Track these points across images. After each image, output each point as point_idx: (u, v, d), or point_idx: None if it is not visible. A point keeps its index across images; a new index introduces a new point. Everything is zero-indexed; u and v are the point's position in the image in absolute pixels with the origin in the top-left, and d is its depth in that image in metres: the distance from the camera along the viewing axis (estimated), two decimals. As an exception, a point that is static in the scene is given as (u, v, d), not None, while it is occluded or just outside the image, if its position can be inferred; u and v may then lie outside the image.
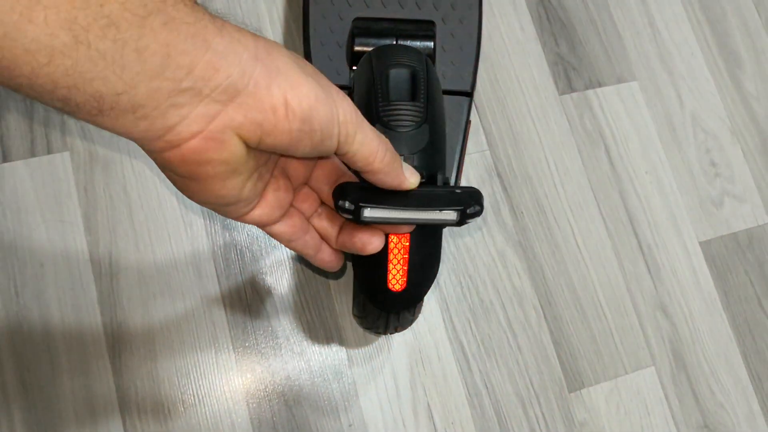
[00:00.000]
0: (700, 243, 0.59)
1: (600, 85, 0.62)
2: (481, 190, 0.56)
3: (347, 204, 0.31)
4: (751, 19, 0.67)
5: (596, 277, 0.56)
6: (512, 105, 0.59)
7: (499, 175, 0.57)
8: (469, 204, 0.32)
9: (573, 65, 0.62)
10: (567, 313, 0.55)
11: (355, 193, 0.31)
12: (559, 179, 0.58)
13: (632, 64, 0.63)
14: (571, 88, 0.61)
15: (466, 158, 0.57)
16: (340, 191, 0.32)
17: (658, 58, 0.64)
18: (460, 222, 0.33)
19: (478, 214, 0.33)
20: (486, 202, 0.56)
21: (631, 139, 0.61)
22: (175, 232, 0.51)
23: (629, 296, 0.56)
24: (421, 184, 0.33)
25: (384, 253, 0.36)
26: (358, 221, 0.32)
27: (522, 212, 0.57)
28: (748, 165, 0.62)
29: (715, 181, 0.61)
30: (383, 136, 0.30)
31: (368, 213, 0.32)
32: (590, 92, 0.61)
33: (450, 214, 0.32)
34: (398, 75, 0.38)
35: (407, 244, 0.36)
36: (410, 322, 0.43)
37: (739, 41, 0.66)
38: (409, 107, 0.37)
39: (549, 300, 0.55)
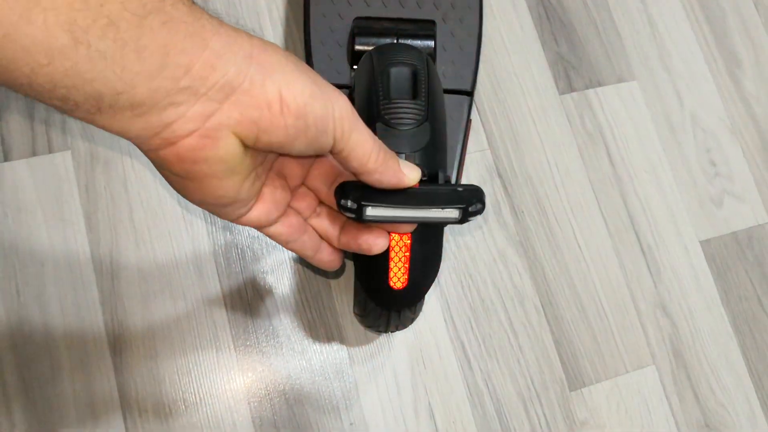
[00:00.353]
0: (700, 242, 0.59)
1: (600, 85, 0.62)
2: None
3: (349, 203, 0.31)
4: (751, 18, 0.67)
5: (597, 276, 0.56)
6: (512, 105, 0.59)
7: (499, 175, 0.57)
8: (471, 202, 0.32)
9: (573, 65, 0.62)
10: (568, 313, 0.55)
11: (357, 192, 0.31)
12: (559, 179, 0.58)
13: (632, 64, 0.63)
14: (571, 88, 0.61)
15: (467, 158, 0.57)
16: (342, 190, 0.32)
17: (658, 58, 0.64)
18: (462, 220, 0.33)
19: (480, 211, 0.33)
20: (486, 202, 0.56)
21: (630, 138, 0.61)
22: (176, 230, 0.51)
23: (630, 295, 0.56)
24: (422, 183, 0.33)
25: (385, 251, 0.36)
26: (360, 220, 0.32)
27: (522, 212, 0.57)
28: (748, 164, 0.62)
29: (715, 181, 0.61)
30: (377, 138, 0.31)
31: (370, 212, 0.32)
32: (590, 92, 0.62)
33: (452, 212, 0.32)
34: (399, 73, 0.39)
35: (409, 242, 0.36)
36: (411, 321, 0.44)
37: (739, 41, 0.66)
38: (410, 105, 0.37)
39: (550, 299, 0.55)
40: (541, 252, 0.56)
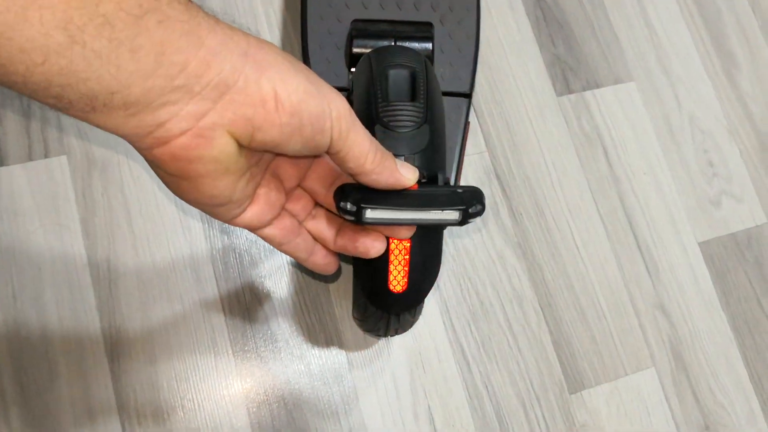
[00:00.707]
0: (699, 243, 0.59)
1: (597, 86, 0.62)
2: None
3: (349, 205, 0.31)
4: (747, 18, 0.67)
5: (595, 278, 0.56)
6: (510, 107, 0.59)
7: (497, 177, 0.57)
8: (470, 203, 0.32)
9: (570, 66, 0.62)
10: (567, 314, 0.55)
11: (356, 194, 0.31)
12: (557, 180, 0.58)
13: (629, 65, 0.63)
14: (569, 90, 0.61)
15: (465, 160, 0.57)
16: (341, 193, 0.32)
17: (655, 59, 0.64)
18: (463, 221, 0.33)
19: (479, 213, 0.33)
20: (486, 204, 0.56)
21: (628, 139, 0.61)
22: (174, 235, 0.51)
23: (629, 297, 0.56)
24: (422, 185, 0.33)
25: (385, 253, 0.35)
26: (360, 222, 0.32)
27: (521, 213, 0.57)
28: (746, 165, 0.62)
29: (713, 181, 0.61)
30: (374, 138, 0.30)
31: (370, 214, 0.31)
32: (588, 93, 0.61)
33: (452, 214, 0.32)
34: (398, 75, 0.38)
35: (408, 245, 0.36)
36: (410, 325, 0.43)
37: (735, 41, 0.66)
38: (409, 108, 0.36)
39: (549, 301, 0.55)
40: (540, 253, 0.56)
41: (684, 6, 0.66)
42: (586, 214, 0.58)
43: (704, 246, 0.59)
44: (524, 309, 0.54)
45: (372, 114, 0.37)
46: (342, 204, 0.31)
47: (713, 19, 0.66)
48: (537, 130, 0.59)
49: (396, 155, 0.36)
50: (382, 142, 0.36)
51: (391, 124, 0.36)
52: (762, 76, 0.65)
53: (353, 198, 0.31)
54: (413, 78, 0.38)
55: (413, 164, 0.35)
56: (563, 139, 0.59)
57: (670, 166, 0.61)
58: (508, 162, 0.58)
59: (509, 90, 0.60)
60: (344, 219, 0.33)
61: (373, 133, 0.36)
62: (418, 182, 0.33)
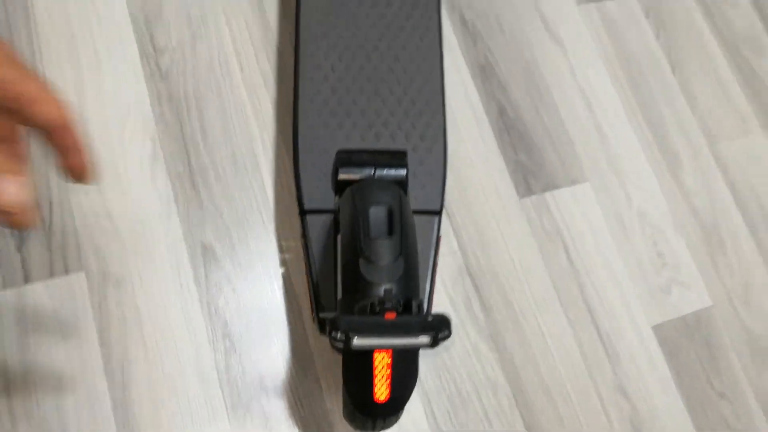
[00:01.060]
0: (653, 327, 0.66)
1: (556, 188, 0.70)
2: (453, 295, 0.62)
3: (339, 335, 0.38)
4: (687, 119, 0.76)
5: (561, 364, 0.63)
6: (479, 210, 0.67)
7: (470, 274, 0.64)
8: (440, 329, 0.39)
9: (531, 171, 0.70)
10: (537, 401, 0.61)
11: (344, 325, 0.38)
12: (523, 276, 0.65)
13: (583, 167, 0.71)
14: (530, 191, 0.69)
15: (441, 259, 0.64)
16: (332, 324, 0.38)
17: (606, 161, 0.72)
18: (433, 345, 0.39)
19: (447, 336, 0.39)
20: (458, 299, 0.63)
21: (585, 235, 0.68)
22: (182, 343, 0.57)
23: (591, 381, 0.63)
24: (399, 314, 0.40)
25: (369, 369, 0.42)
26: (350, 348, 0.38)
27: (492, 307, 0.63)
28: (692, 254, 0.70)
29: (663, 271, 0.69)
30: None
31: (357, 341, 0.38)
32: (547, 194, 0.69)
33: (424, 339, 0.39)
34: (377, 213, 0.46)
35: (390, 360, 0.42)
36: (395, 422, 0.49)
37: (678, 141, 0.75)
38: (386, 243, 0.44)
39: (520, 388, 0.61)
40: (510, 344, 0.62)
41: (630, 110, 0.75)
42: (551, 305, 0.65)
43: (657, 329, 0.66)
44: (498, 397, 0.60)
45: (357, 248, 0.44)
46: (333, 334, 0.38)
47: (656, 122, 0.75)
48: (503, 230, 0.66)
49: (376, 284, 0.42)
50: (366, 273, 0.43)
51: (372, 258, 0.43)
52: (703, 172, 0.74)
53: (343, 328, 0.38)
54: (390, 214, 0.46)
55: (391, 293, 0.41)
56: (527, 238, 0.67)
57: (623, 259, 0.68)
58: (478, 260, 0.65)
59: (477, 194, 0.67)
60: (335, 347, 0.39)
61: (357, 265, 0.43)
62: (396, 311, 0.40)
